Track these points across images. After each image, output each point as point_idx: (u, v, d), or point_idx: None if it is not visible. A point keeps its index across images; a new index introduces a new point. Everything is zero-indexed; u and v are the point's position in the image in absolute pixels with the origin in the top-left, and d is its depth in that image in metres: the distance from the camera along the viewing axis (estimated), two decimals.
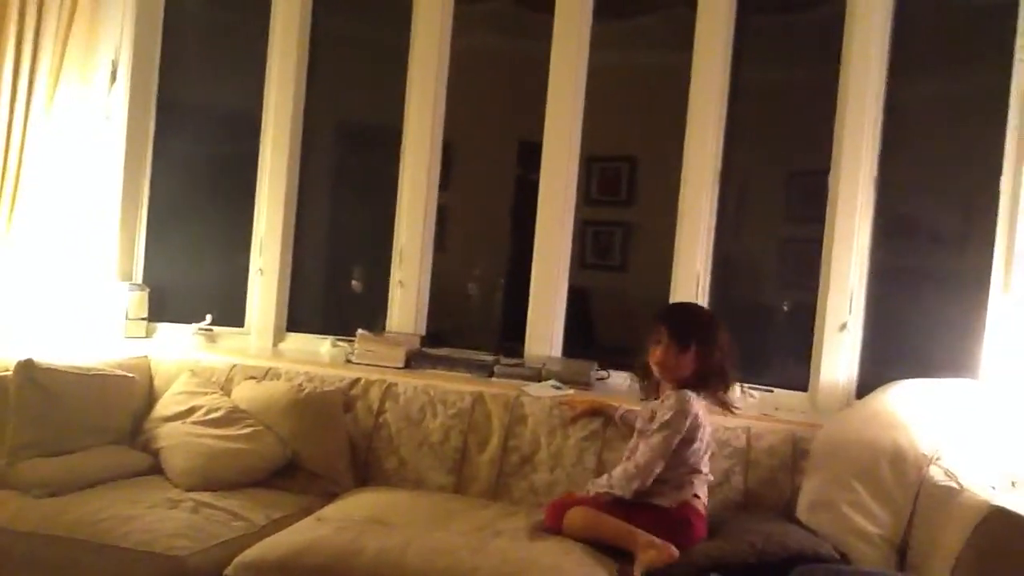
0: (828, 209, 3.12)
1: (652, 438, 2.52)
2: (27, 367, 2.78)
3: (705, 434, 2.57)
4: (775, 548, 2.24)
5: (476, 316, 3.84)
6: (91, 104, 3.49)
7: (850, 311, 3.07)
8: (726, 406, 2.65)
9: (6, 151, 3.33)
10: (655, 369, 2.63)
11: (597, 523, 2.46)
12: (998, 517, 2.00)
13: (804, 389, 3.16)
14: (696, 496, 2.54)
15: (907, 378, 2.78)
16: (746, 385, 3.18)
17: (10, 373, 2.80)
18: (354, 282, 3.88)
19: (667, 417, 2.51)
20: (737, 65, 3.26)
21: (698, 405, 2.55)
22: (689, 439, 2.53)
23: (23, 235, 3.37)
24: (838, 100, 3.11)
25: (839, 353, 3.08)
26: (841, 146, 3.08)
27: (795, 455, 2.77)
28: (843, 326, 3.07)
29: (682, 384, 2.57)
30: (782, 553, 2.22)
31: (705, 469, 2.59)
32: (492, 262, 3.81)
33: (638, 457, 2.53)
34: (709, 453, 2.62)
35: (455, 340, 3.58)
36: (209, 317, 3.65)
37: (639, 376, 2.76)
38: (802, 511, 2.57)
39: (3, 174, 3.34)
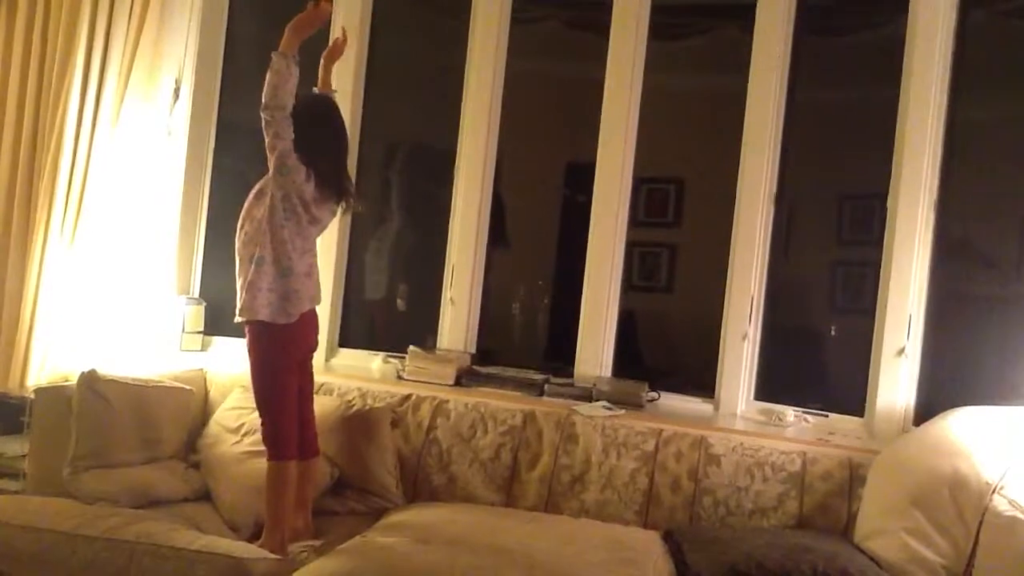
0: (886, 232, 3.09)
1: None
2: (90, 378, 2.83)
3: None
4: (835, 573, 2.20)
5: (522, 335, 3.84)
6: (154, 121, 3.57)
7: (908, 336, 3.03)
8: None
9: (72, 166, 3.42)
10: None
11: None
12: None
13: (860, 415, 3.12)
14: None
15: (967, 405, 2.73)
16: (801, 409, 3.15)
17: (73, 384, 2.86)
18: (399, 300, 3.90)
19: None
20: (793, 87, 3.26)
21: None
22: None
23: (87, 248, 3.45)
24: (898, 121, 3.08)
25: (896, 379, 3.03)
26: (900, 167, 3.06)
27: (852, 481, 2.74)
28: (901, 351, 3.03)
29: None
30: None
31: None
32: (538, 282, 3.82)
33: None
34: None
35: (502, 358, 3.58)
36: None
37: None
38: (860, 537, 2.53)
39: (68, 188, 3.43)
